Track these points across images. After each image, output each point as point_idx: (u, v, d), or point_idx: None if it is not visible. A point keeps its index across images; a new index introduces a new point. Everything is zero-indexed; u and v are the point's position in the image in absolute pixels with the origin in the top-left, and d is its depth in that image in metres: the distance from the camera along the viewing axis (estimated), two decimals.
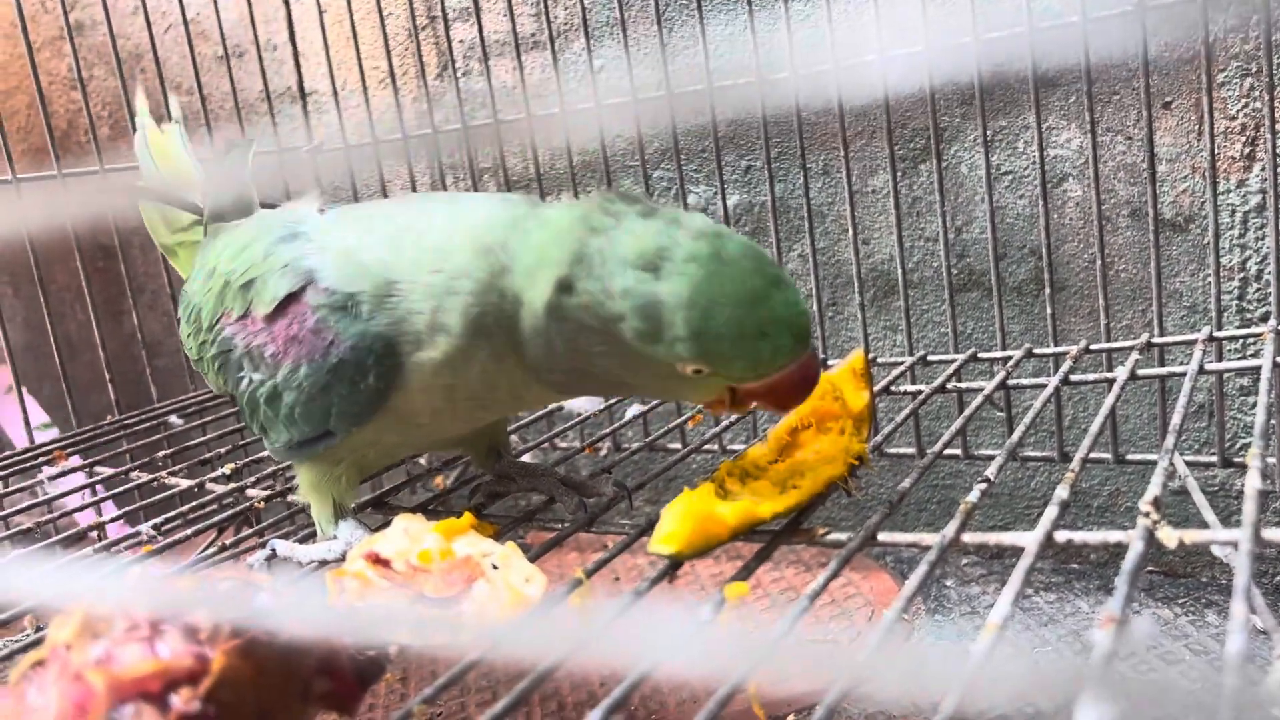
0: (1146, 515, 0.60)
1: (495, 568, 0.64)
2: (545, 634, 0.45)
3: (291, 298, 0.74)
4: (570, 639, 0.41)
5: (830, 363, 1.23)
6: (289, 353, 0.74)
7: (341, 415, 0.74)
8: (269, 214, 0.93)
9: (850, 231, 1.29)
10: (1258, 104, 1.16)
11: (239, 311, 0.79)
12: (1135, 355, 1.01)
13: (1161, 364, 1.15)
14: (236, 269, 0.80)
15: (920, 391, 1.08)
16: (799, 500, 0.68)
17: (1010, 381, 1.04)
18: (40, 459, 1.24)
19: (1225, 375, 1.22)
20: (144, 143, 1.14)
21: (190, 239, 1.06)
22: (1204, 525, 0.79)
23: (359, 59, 1.56)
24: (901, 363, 1.19)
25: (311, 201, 0.89)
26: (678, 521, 0.65)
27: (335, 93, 1.59)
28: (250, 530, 0.98)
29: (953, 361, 1.15)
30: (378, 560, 0.64)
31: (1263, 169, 1.18)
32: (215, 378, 0.85)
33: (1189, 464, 1.04)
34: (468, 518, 0.70)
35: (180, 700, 0.43)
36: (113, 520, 1.04)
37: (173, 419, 1.41)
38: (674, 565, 0.66)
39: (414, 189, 1.60)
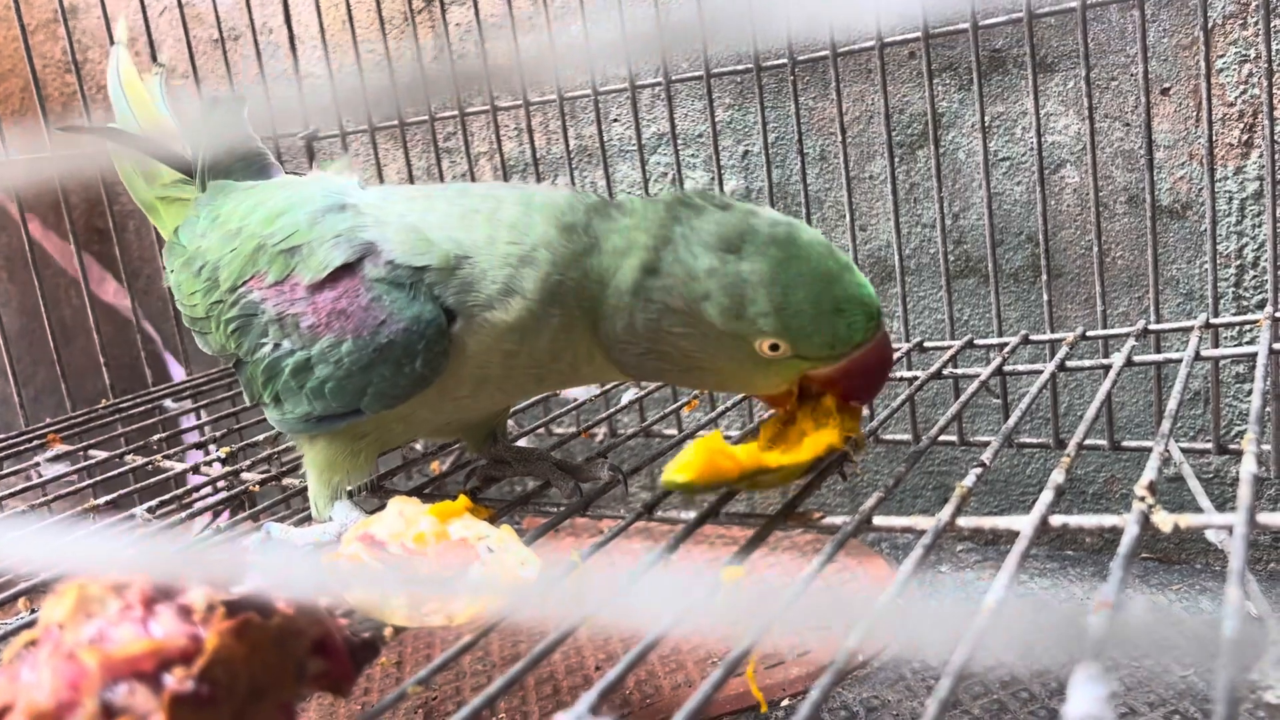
0: (1141, 499, 0.60)
1: (490, 551, 0.64)
2: (550, 600, 0.45)
3: (345, 269, 0.73)
4: (575, 608, 0.41)
5: None
6: (331, 325, 0.73)
7: (379, 395, 0.73)
8: (299, 180, 0.91)
9: (848, 218, 1.28)
10: (1256, 90, 1.16)
11: (275, 277, 0.76)
12: (1131, 342, 1.01)
13: (1158, 350, 1.15)
14: (275, 233, 0.78)
15: (916, 378, 1.08)
16: (803, 459, 0.69)
17: (1006, 368, 1.04)
18: (34, 442, 1.24)
19: (1221, 362, 1.22)
20: (116, 73, 1.03)
21: (176, 195, 0.99)
22: (1199, 511, 0.79)
23: (355, 42, 1.55)
24: (898, 349, 1.18)
25: (349, 173, 0.88)
26: (690, 453, 0.67)
27: (331, 76, 1.59)
28: (245, 514, 0.97)
29: (949, 348, 1.15)
30: (373, 543, 0.64)
31: (1260, 155, 1.17)
32: (225, 340, 0.81)
33: (1184, 450, 1.04)
34: (463, 501, 0.69)
35: (174, 680, 0.43)
36: (108, 502, 1.04)
37: (167, 403, 1.41)
38: (673, 545, 0.66)
39: (410, 172, 1.60)
